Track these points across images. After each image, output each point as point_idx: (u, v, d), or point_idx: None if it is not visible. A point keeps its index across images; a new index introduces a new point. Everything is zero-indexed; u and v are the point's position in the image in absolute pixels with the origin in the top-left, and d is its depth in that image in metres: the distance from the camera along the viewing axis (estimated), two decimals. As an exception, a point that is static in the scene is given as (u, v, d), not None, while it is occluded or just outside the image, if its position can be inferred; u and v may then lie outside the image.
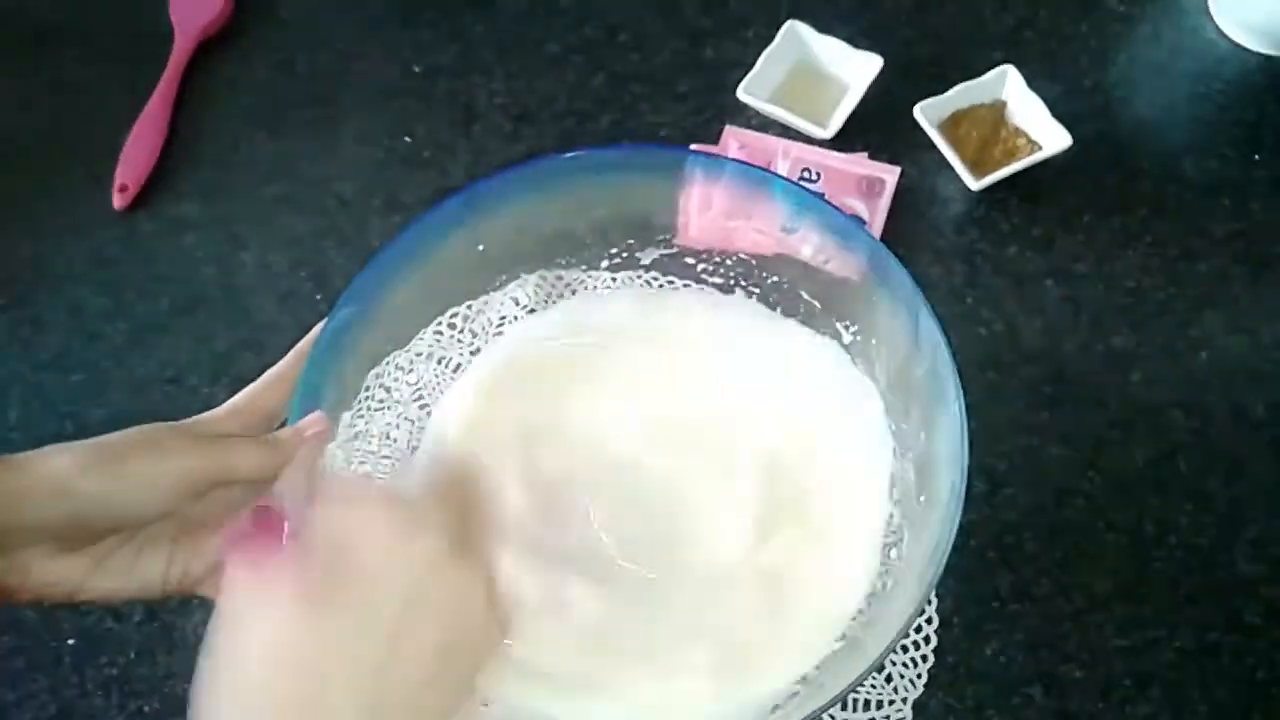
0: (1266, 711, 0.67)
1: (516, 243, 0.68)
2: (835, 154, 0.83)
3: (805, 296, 0.68)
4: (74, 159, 0.89)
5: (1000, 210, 0.82)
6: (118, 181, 0.86)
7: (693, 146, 0.85)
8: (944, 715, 0.68)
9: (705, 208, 0.70)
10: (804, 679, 0.60)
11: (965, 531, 0.53)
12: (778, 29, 0.86)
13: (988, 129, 0.84)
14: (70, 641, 0.72)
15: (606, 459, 0.65)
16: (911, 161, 0.84)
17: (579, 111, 0.89)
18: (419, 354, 0.69)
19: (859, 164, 0.83)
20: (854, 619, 0.62)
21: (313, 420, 0.54)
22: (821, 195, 0.80)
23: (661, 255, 0.71)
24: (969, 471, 0.54)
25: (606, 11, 0.93)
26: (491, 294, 0.71)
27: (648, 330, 0.70)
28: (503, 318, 0.71)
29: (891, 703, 0.67)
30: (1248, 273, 0.80)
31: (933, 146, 0.82)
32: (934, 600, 0.69)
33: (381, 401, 0.67)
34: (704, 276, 0.71)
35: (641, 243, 0.70)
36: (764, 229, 0.68)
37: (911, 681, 0.68)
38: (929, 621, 0.69)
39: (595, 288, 0.72)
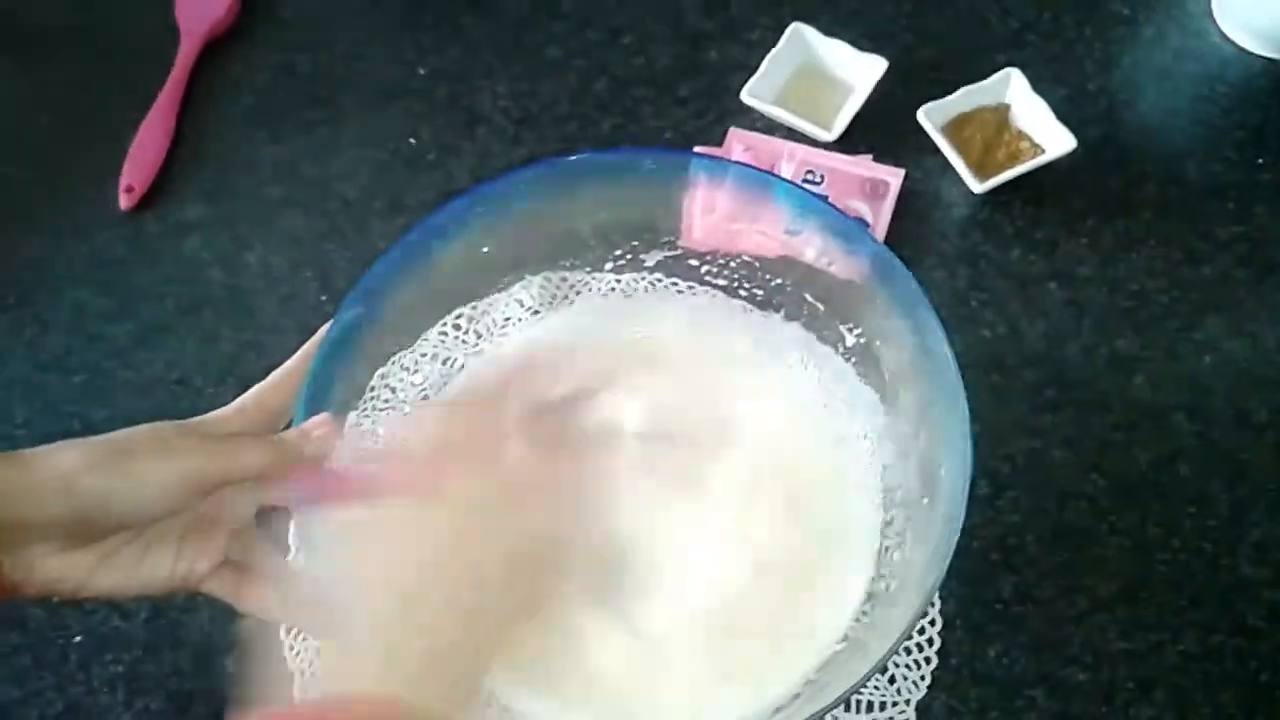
0: (1270, 714, 0.67)
1: (521, 244, 0.68)
2: (839, 156, 0.83)
3: (809, 299, 0.69)
4: (79, 160, 0.89)
5: (1004, 213, 0.82)
6: (123, 182, 0.87)
7: (696, 149, 0.85)
8: (947, 717, 0.68)
9: (709, 210, 0.70)
10: (807, 680, 0.60)
11: (968, 534, 0.53)
12: (782, 31, 0.86)
13: (991, 132, 0.84)
14: (76, 639, 0.72)
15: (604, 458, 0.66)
16: (915, 164, 0.84)
17: (582, 115, 0.89)
18: (424, 354, 0.70)
19: (863, 166, 0.83)
20: (857, 621, 0.62)
21: (319, 421, 0.54)
22: (825, 198, 0.80)
23: (665, 257, 0.71)
24: (972, 474, 0.54)
25: (609, 14, 0.94)
26: (496, 295, 0.71)
27: (643, 335, 0.71)
28: (507, 319, 0.71)
29: (895, 704, 0.67)
30: (1251, 276, 0.80)
31: (936, 149, 0.82)
32: (937, 602, 0.69)
33: (387, 401, 0.67)
34: (707, 279, 0.72)
35: (645, 245, 0.70)
36: (767, 231, 0.68)
37: (914, 683, 0.68)
38: (932, 623, 0.69)
39: (599, 290, 0.72)
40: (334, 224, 0.86)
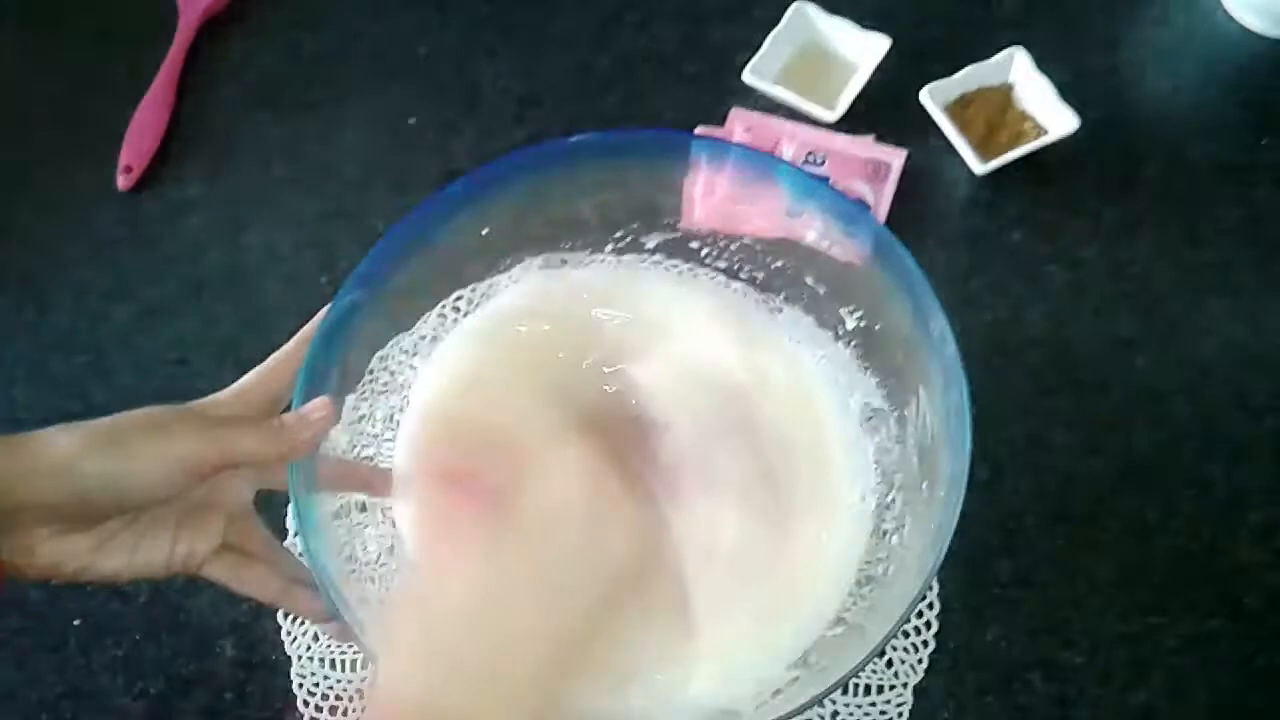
0: (1267, 698, 0.67)
1: (521, 226, 0.68)
2: (841, 137, 0.83)
3: (809, 281, 0.68)
4: (78, 140, 0.89)
5: (1006, 194, 0.82)
6: (122, 163, 0.86)
7: (698, 130, 0.85)
8: (944, 700, 0.68)
9: (710, 192, 0.70)
10: (805, 663, 0.60)
11: (967, 517, 0.53)
12: (784, 10, 0.86)
13: (995, 112, 0.83)
14: (76, 622, 0.72)
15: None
16: (918, 145, 0.83)
17: (584, 93, 0.89)
18: (423, 337, 0.70)
19: (865, 147, 0.82)
20: (855, 604, 0.62)
21: (318, 404, 0.54)
22: (826, 180, 0.80)
23: (666, 239, 0.70)
24: (971, 457, 0.54)
25: (612, -8, 0.93)
26: (496, 277, 0.71)
27: (633, 309, 0.70)
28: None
29: (893, 687, 0.68)
30: (1253, 259, 0.79)
31: (939, 130, 0.82)
32: (935, 586, 0.70)
33: (386, 385, 0.67)
34: (708, 261, 0.71)
35: (646, 227, 0.70)
36: (768, 213, 0.68)
37: (912, 666, 0.68)
38: (930, 607, 0.69)
39: (595, 269, 0.72)
40: (335, 204, 0.85)
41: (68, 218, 0.86)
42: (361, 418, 0.65)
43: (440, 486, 0.54)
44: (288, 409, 0.55)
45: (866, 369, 0.68)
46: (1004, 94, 0.84)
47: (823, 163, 0.82)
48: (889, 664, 0.68)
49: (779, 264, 0.69)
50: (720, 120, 0.85)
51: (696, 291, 0.71)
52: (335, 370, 0.59)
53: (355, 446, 0.65)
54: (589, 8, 0.92)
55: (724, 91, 0.87)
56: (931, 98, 0.82)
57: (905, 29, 0.87)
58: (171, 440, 0.49)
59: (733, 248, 0.70)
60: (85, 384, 0.80)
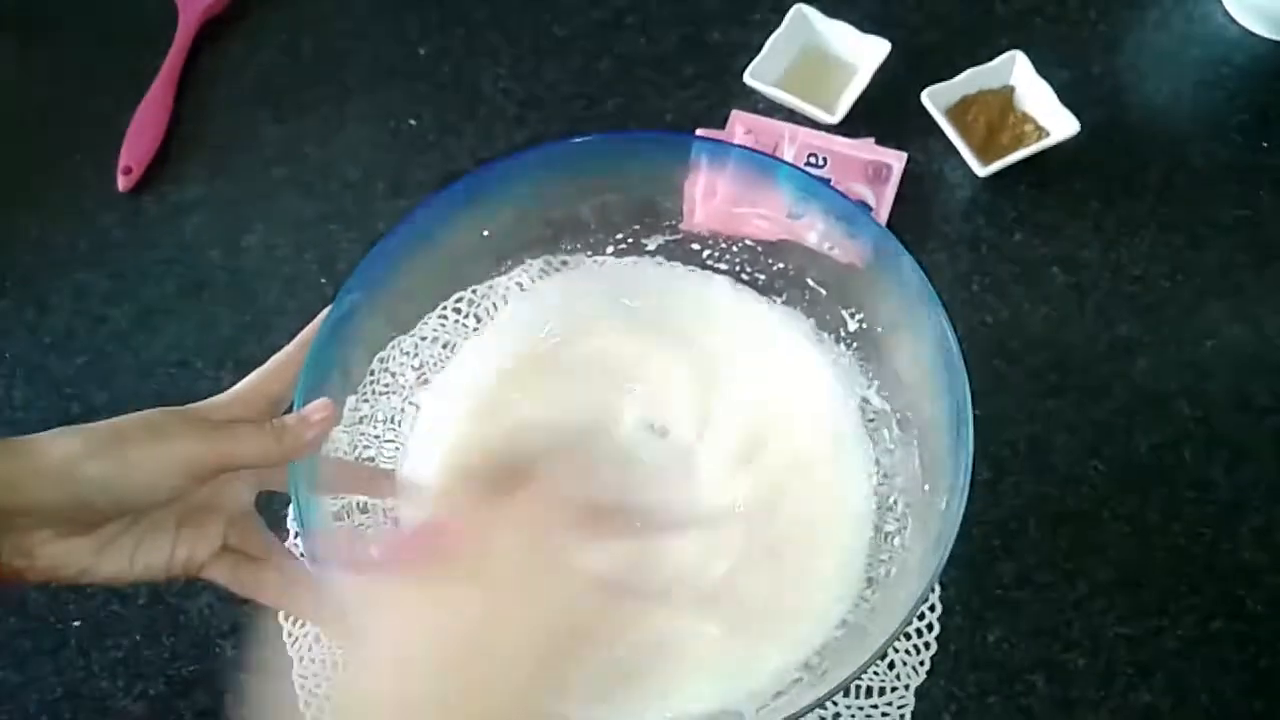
0: (1269, 700, 0.67)
1: (521, 228, 0.68)
2: (842, 139, 0.83)
3: (810, 283, 0.68)
4: (78, 141, 0.89)
5: (1007, 197, 0.82)
6: (122, 164, 0.86)
7: (699, 132, 0.85)
8: (946, 702, 0.68)
9: (711, 194, 0.70)
10: (807, 665, 0.60)
11: (969, 519, 0.53)
12: (785, 13, 0.86)
13: (995, 115, 0.83)
14: (76, 624, 0.72)
15: (601, 443, 0.66)
16: (919, 147, 0.83)
17: (585, 95, 0.89)
18: (424, 338, 0.70)
19: (866, 149, 0.82)
20: (857, 606, 0.62)
21: (318, 406, 0.54)
22: (827, 181, 0.80)
23: (667, 241, 0.70)
24: (973, 459, 0.54)
25: (613, -6, 0.93)
26: (496, 279, 0.71)
27: (635, 314, 0.70)
28: (509, 303, 0.71)
29: (894, 689, 0.68)
30: (1254, 261, 0.79)
31: (940, 132, 0.82)
32: (937, 588, 0.69)
33: (386, 386, 0.67)
34: (709, 263, 0.71)
35: (647, 229, 0.70)
36: (769, 215, 0.68)
37: (914, 668, 0.68)
38: (932, 609, 0.69)
39: (599, 269, 0.72)
40: (335, 205, 0.85)
41: (68, 219, 0.86)
42: (362, 419, 0.65)
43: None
44: (289, 411, 0.55)
45: (868, 371, 0.68)
46: (1005, 97, 0.84)
47: (824, 165, 0.82)
48: (890, 666, 0.68)
49: (780, 266, 0.69)
50: (721, 123, 0.85)
51: (709, 291, 0.71)
52: (336, 371, 0.59)
53: (356, 447, 0.65)
54: (590, 10, 0.92)
55: (725, 94, 0.87)
56: (932, 100, 0.82)
57: (905, 32, 0.87)
58: (171, 443, 0.49)
59: (734, 249, 0.70)
60: (85, 385, 0.80)
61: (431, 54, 0.92)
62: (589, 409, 0.67)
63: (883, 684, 0.68)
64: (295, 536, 0.71)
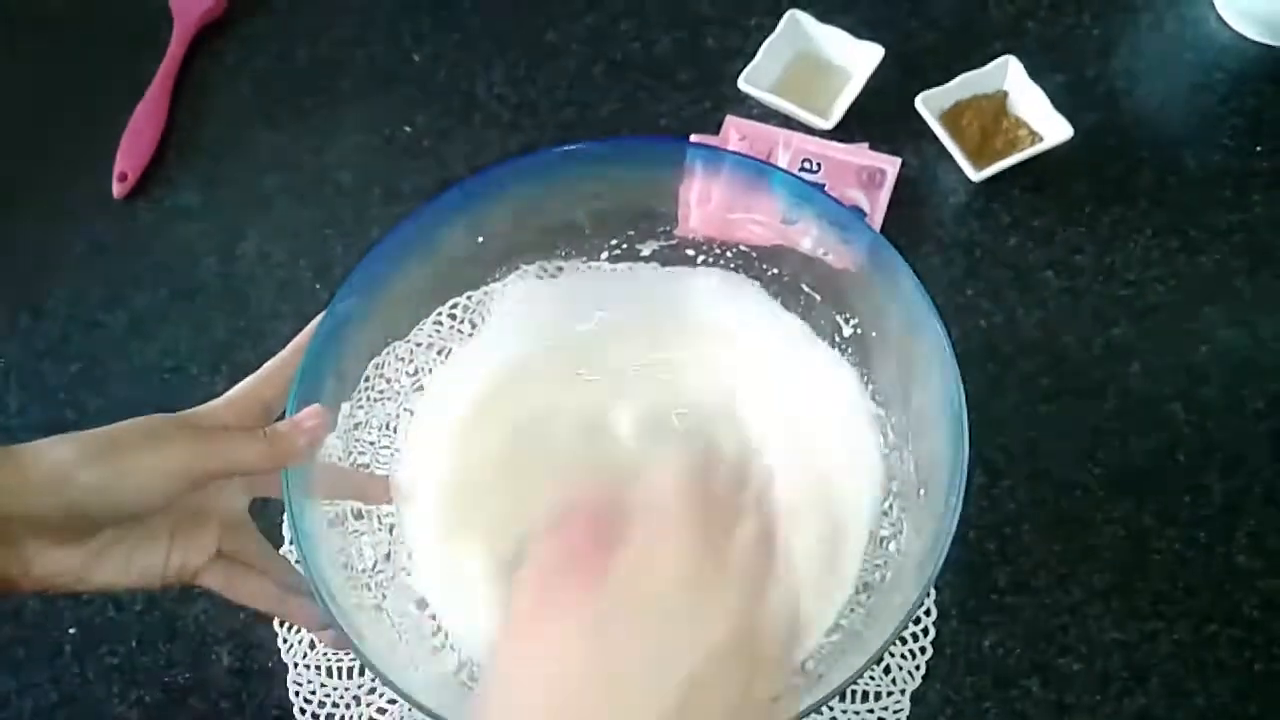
0: (1264, 704, 0.67)
1: (516, 234, 0.68)
2: (836, 145, 0.83)
3: (805, 288, 0.68)
4: (73, 147, 0.89)
5: (1001, 201, 0.82)
6: (117, 170, 0.86)
7: (693, 137, 0.85)
8: (942, 707, 0.68)
9: (705, 199, 0.70)
10: (803, 670, 0.60)
11: (964, 524, 0.53)
12: (779, 18, 0.86)
13: (989, 120, 0.84)
14: (71, 631, 0.72)
15: (601, 447, 0.66)
16: (912, 152, 0.83)
17: (579, 101, 0.89)
18: (419, 344, 0.70)
19: (860, 155, 0.83)
20: (853, 611, 0.62)
21: (311, 412, 0.54)
22: (822, 186, 0.80)
23: (661, 246, 0.70)
24: (968, 464, 0.54)
25: (607, 0, 0.93)
26: (491, 284, 0.71)
27: (631, 318, 0.70)
28: (503, 308, 0.71)
29: (890, 694, 0.68)
30: (1248, 265, 0.80)
31: (934, 137, 0.82)
32: (933, 592, 0.69)
33: (381, 392, 0.67)
34: (704, 268, 0.71)
35: (641, 234, 0.70)
36: (764, 220, 0.68)
37: (910, 673, 0.68)
38: (927, 614, 0.69)
39: (594, 273, 0.72)
40: (330, 212, 0.85)
41: (62, 225, 0.86)
42: (357, 425, 0.65)
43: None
44: (282, 417, 0.55)
45: (862, 376, 0.68)
46: (998, 102, 0.84)
47: (818, 170, 0.82)
48: (886, 670, 0.68)
49: (774, 271, 0.69)
50: (715, 128, 0.85)
51: (705, 293, 0.71)
52: (330, 378, 0.59)
53: (351, 454, 0.65)
54: (584, 16, 0.92)
55: (719, 99, 0.87)
56: (926, 105, 0.82)
57: (898, 38, 0.88)
58: (165, 450, 0.49)
59: (728, 255, 0.70)
60: (79, 392, 0.80)
61: (426, 61, 0.92)
62: (586, 415, 0.67)
63: (879, 689, 0.68)
64: (290, 543, 0.71)
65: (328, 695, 0.69)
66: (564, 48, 0.91)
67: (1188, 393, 0.75)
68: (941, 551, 0.53)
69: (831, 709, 0.67)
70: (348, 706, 0.69)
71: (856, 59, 0.85)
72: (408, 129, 0.88)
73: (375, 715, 0.68)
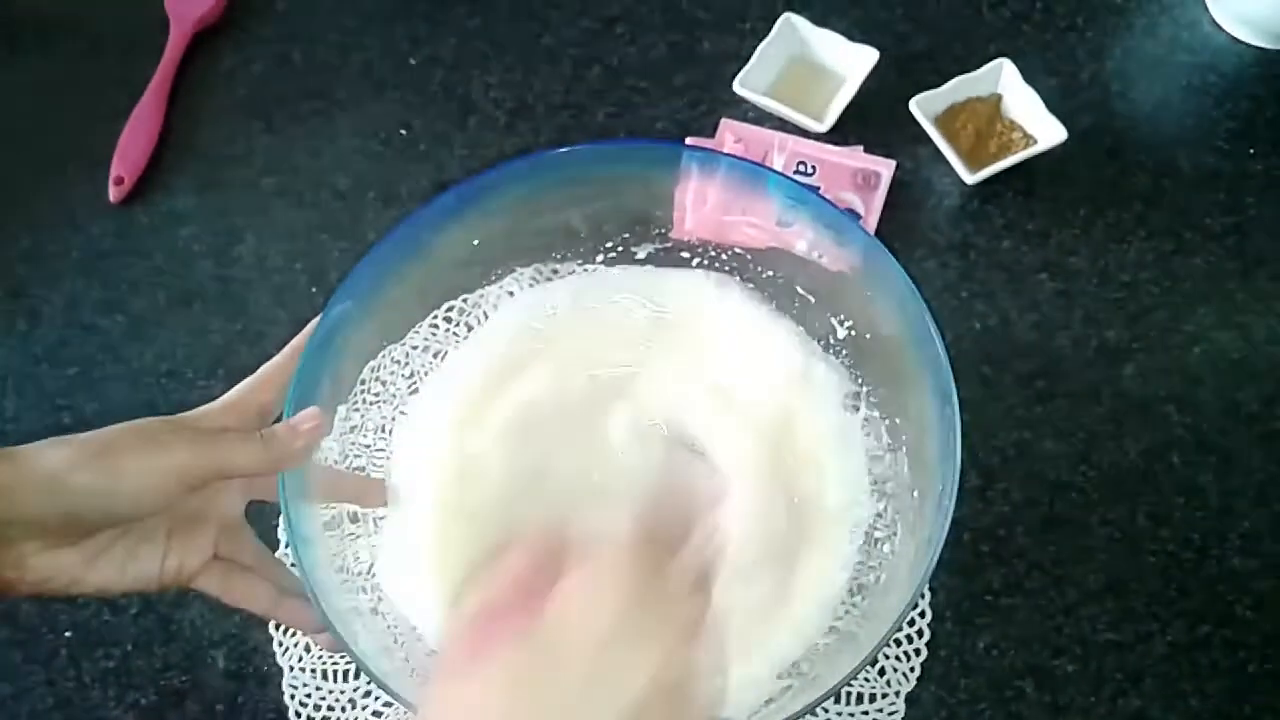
0: (1258, 705, 0.68)
1: (512, 237, 0.68)
2: (831, 147, 0.83)
3: (800, 290, 0.69)
4: (70, 151, 0.89)
5: (995, 204, 0.82)
6: (113, 174, 0.86)
7: (688, 140, 0.85)
8: (936, 708, 0.68)
9: (701, 202, 0.70)
10: (798, 671, 0.60)
11: (958, 525, 0.53)
12: (774, 22, 0.86)
13: (983, 122, 0.84)
14: (67, 634, 0.72)
15: (594, 453, 0.66)
16: (907, 155, 0.84)
17: (575, 104, 0.89)
18: (415, 347, 0.70)
19: (854, 157, 0.83)
20: (847, 612, 0.62)
21: (307, 415, 0.54)
22: (816, 189, 0.80)
23: (657, 249, 0.71)
24: (961, 465, 0.54)
25: (603, 4, 0.93)
26: (487, 287, 0.71)
27: (626, 321, 0.71)
28: (498, 311, 0.71)
29: (884, 695, 0.68)
30: (1242, 267, 0.80)
31: (928, 140, 0.82)
32: (927, 594, 0.70)
33: (377, 395, 0.67)
34: (698, 271, 0.71)
35: (637, 237, 0.70)
36: (759, 223, 0.68)
37: (904, 675, 0.68)
38: (922, 615, 0.69)
39: (588, 275, 0.72)
40: (326, 215, 0.85)
41: (59, 229, 0.86)
42: (353, 428, 0.65)
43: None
44: (279, 420, 0.55)
45: (857, 378, 0.68)
46: (992, 104, 0.84)
47: (813, 173, 0.82)
48: (881, 672, 0.68)
49: (769, 273, 0.70)
50: (711, 131, 0.86)
51: (700, 297, 0.71)
52: (326, 381, 0.59)
53: (347, 457, 0.65)
54: (580, 19, 0.93)
55: (714, 102, 0.87)
56: (920, 108, 0.82)
57: (893, 41, 0.88)
58: (161, 453, 0.49)
59: (723, 257, 0.71)
60: (75, 396, 0.80)
61: (422, 64, 0.92)
62: (581, 417, 0.68)
63: (873, 690, 0.68)
64: (286, 546, 0.71)
65: (323, 698, 0.69)
66: (560, 51, 0.91)
67: (1181, 395, 0.76)
68: (935, 552, 0.53)
69: (826, 710, 0.67)
70: (344, 710, 0.69)
71: (851, 62, 0.85)
72: (404, 132, 0.89)
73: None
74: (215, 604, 0.55)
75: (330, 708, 0.69)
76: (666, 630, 0.44)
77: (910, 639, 0.69)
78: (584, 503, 0.62)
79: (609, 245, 0.70)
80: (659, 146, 0.79)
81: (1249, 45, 0.88)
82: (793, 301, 0.69)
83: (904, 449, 0.64)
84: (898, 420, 0.65)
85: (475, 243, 0.66)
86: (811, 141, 0.84)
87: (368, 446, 0.67)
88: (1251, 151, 0.84)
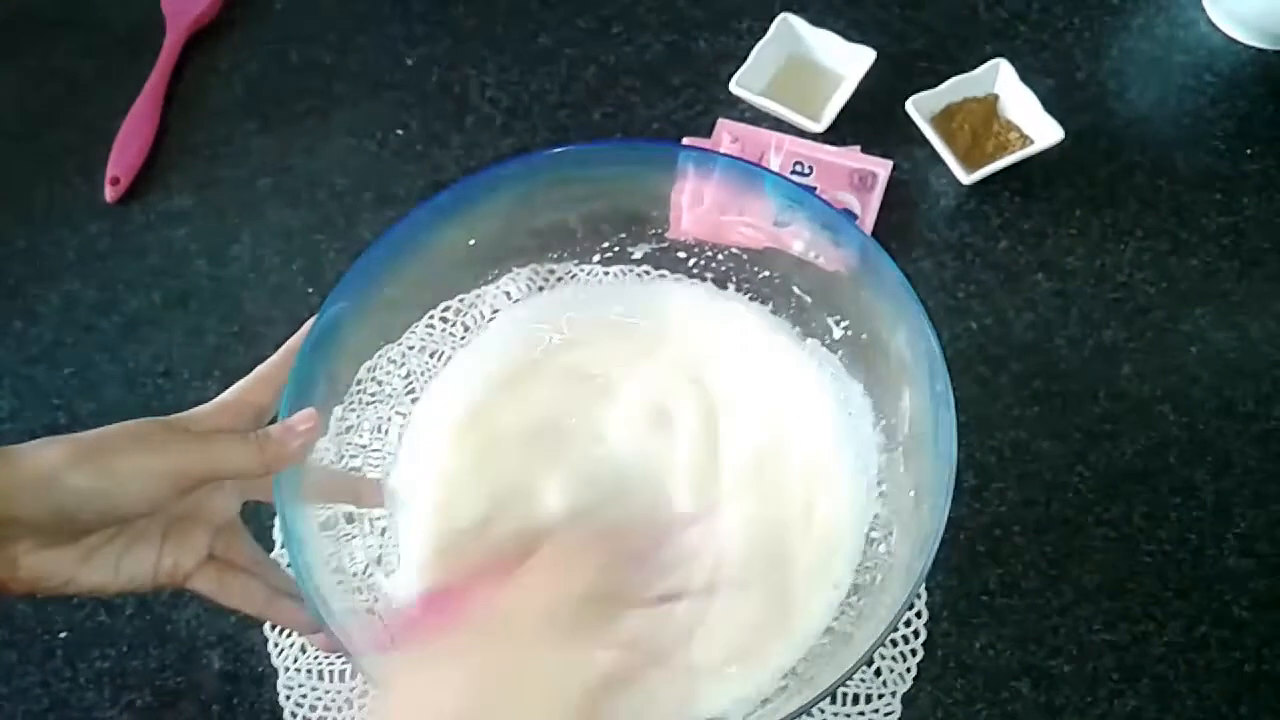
0: (1254, 704, 0.68)
1: (508, 236, 0.68)
2: (827, 147, 0.83)
3: (796, 291, 0.69)
4: (66, 151, 0.89)
5: (992, 204, 0.82)
6: (109, 174, 0.86)
7: (685, 140, 0.85)
8: (933, 709, 0.68)
9: (697, 202, 0.70)
10: (794, 672, 0.60)
11: (954, 525, 0.53)
12: (770, 21, 0.86)
13: (980, 122, 0.84)
14: (62, 634, 0.72)
15: (590, 453, 0.66)
16: (904, 155, 0.84)
17: (571, 104, 0.89)
18: (411, 347, 0.70)
19: (851, 157, 0.83)
20: (843, 613, 0.62)
21: (303, 416, 0.54)
22: (813, 189, 0.80)
23: (653, 249, 0.71)
24: (958, 465, 0.54)
25: (599, 4, 0.93)
26: (483, 287, 0.71)
27: (629, 324, 0.71)
28: (495, 311, 0.71)
29: (881, 696, 0.68)
30: (1238, 268, 0.80)
31: (925, 140, 0.82)
32: (923, 594, 0.70)
33: (374, 395, 0.67)
34: (695, 271, 0.71)
35: (633, 237, 0.70)
36: (755, 223, 0.68)
37: (901, 675, 0.68)
38: (919, 615, 0.69)
39: (586, 282, 0.72)
40: (322, 215, 0.85)
41: (55, 229, 0.86)
42: (349, 428, 0.65)
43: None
44: (274, 420, 0.55)
45: (853, 378, 0.68)
46: (989, 105, 0.84)
47: (809, 173, 0.82)
48: (877, 673, 0.68)
49: (766, 274, 0.70)
50: (707, 131, 0.86)
51: (697, 299, 0.71)
52: (322, 381, 0.59)
53: (343, 457, 0.65)
54: (577, 18, 0.93)
55: (711, 102, 0.87)
56: (917, 109, 0.82)
57: (890, 41, 0.88)
58: (156, 453, 0.49)
59: (720, 257, 0.70)
60: (71, 396, 0.80)
61: (418, 64, 0.92)
62: (577, 418, 0.67)
63: (870, 691, 0.68)
64: (281, 546, 0.71)
65: (319, 699, 0.69)
66: (556, 51, 0.91)
67: (1178, 394, 0.76)
68: (931, 552, 0.53)
69: (822, 710, 0.67)
70: (339, 710, 0.69)
71: (848, 62, 0.85)
72: (400, 132, 0.88)
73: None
74: (210, 604, 0.55)
75: (326, 708, 0.69)
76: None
77: (906, 639, 0.69)
78: (576, 509, 0.62)
79: (605, 245, 0.70)
80: (655, 146, 0.79)
81: (1245, 45, 0.88)
82: (789, 302, 0.69)
83: (900, 449, 0.64)
84: (893, 420, 0.65)
85: (471, 243, 0.66)
86: (808, 141, 0.84)
87: (364, 447, 0.66)
88: (1248, 151, 0.84)
